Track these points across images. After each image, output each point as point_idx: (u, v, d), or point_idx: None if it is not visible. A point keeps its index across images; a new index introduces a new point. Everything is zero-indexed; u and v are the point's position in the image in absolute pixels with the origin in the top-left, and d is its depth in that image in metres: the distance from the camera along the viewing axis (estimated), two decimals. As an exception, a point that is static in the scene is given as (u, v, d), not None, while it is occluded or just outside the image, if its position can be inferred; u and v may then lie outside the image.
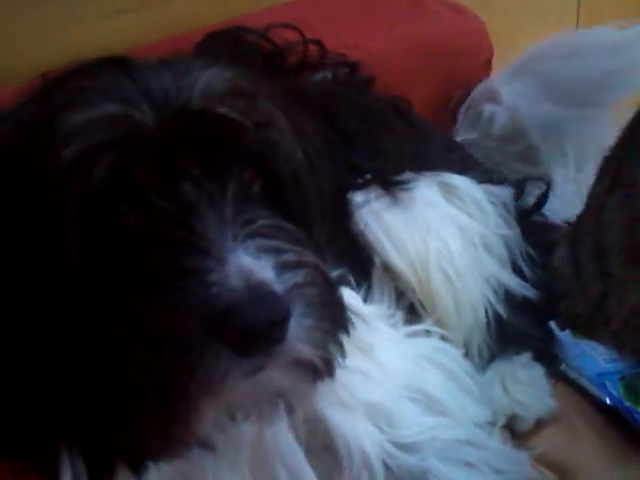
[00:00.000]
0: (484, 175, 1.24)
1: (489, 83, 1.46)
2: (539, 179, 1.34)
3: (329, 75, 1.26)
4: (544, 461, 1.02)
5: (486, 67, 1.51)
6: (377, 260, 1.08)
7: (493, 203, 1.17)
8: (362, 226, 1.08)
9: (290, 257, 0.66)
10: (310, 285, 0.66)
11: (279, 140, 0.73)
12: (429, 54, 1.40)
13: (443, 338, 1.05)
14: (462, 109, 1.45)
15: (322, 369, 0.70)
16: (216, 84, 0.70)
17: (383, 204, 1.09)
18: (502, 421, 1.07)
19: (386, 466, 0.87)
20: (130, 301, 0.64)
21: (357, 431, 0.86)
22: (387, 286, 1.07)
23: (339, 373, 0.77)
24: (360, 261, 1.07)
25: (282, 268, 0.64)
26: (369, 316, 0.94)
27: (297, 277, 0.65)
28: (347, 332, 0.75)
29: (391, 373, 0.91)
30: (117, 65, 0.72)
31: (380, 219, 1.08)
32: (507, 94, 1.43)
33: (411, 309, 1.09)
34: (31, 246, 0.66)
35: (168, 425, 0.65)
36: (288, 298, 0.63)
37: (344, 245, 1.05)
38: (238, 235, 0.64)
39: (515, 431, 1.08)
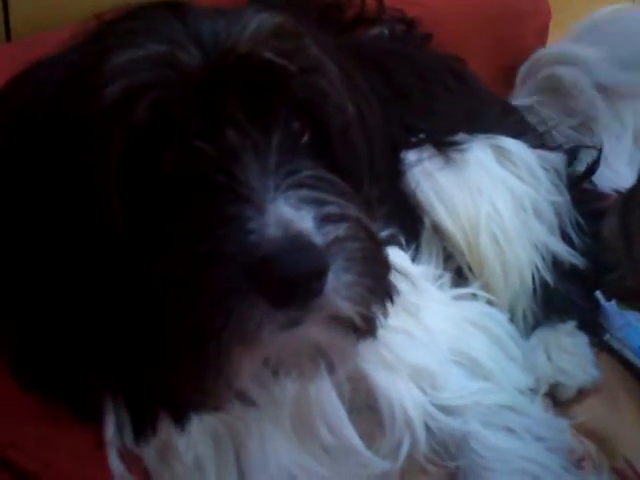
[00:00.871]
0: (538, 140, 1.23)
1: (558, 46, 1.43)
2: (591, 147, 1.32)
3: (386, 31, 1.24)
4: (584, 430, 1.01)
5: (543, 30, 1.49)
6: (427, 220, 1.08)
7: (545, 169, 1.16)
8: (414, 185, 1.07)
9: (332, 210, 0.64)
10: (352, 239, 0.65)
11: (328, 89, 0.71)
12: (487, 14, 1.38)
13: (489, 302, 1.04)
14: (521, 72, 1.42)
15: (363, 328, 0.68)
16: (265, 27, 0.69)
17: (436, 164, 1.08)
18: (545, 388, 1.07)
19: (428, 428, 0.87)
20: (169, 246, 0.63)
21: (400, 392, 0.86)
22: (435, 247, 1.06)
23: (384, 333, 0.77)
24: (410, 221, 1.06)
25: (323, 220, 0.63)
26: (416, 277, 0.93)
27: (338, 230, 0.63)
28: (390, 293, 0.74)
29: (436, 335, 0.91)
30: (171, 9, 0.71)
31: (432, 179, 1.07)
32: (585, 57, 1.39)
33: (458, 272, 1.08)
34: (75, 186, 0.66)
35: (204, 375, 0.65)
36: (327, 251, 0.62)
37: (395, 204, 1.04)
38: (280, 185, 0.63)
39: (557, 399, 1.07)
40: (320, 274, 0.61)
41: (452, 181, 1.08)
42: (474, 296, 1.03)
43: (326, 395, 0.83)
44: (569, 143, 1.34)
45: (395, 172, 1.08)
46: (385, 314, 0.73)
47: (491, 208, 1.08)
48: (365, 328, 0.69)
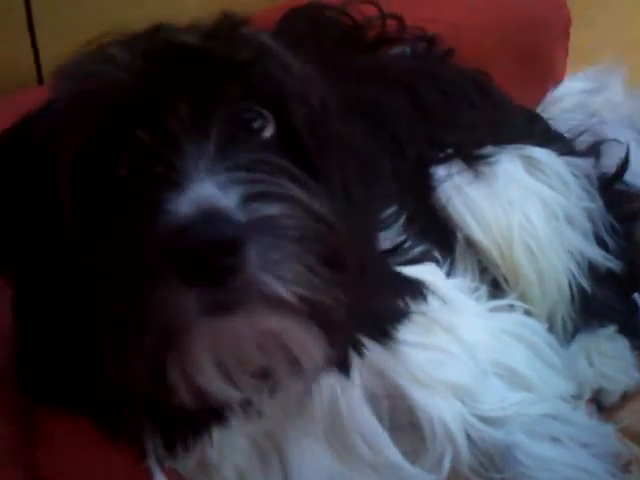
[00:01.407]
0: (566, 147, 1.23)
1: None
2: (614, 140, 1.30)
3: (408, 49, 1.25)
4: (630, 434, 1.01)
5: (564, 36, 1.48)
6: (459, 235, 1.08)
7: (575, 175, 1.16)
8: (445, 200, 1.08)
9: (266, 189, 0.63)
10: (288, 219, 0.63)
11: (281, 76, 0.71)
12: (506, 25, 1.38)
13: (527, 312, 1.05)
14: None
15: (316, 314, 0.65)
16: (203, 24, 0.71)
17: (465, 179, 1.09)
18: (588, 395, 1.07)
19: (470, 439, 0.87)
20: (104, 240, 0.64)
21: (439, 406, 0.87)
22: (470, 261, 1.07)
23: (416, 351, 0.81)
24: (443, 236, 1.07)
25: (252, 199, 0.61)
26: (450, 293, 0.94)
27: (269, 209, 0.62)
28: (346, 277, 0.68)
29: (474, 349, 0.91)
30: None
31: (463, 194, 1.08)
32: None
33: (494, 284, 1.09)
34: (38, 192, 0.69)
35: (160, 372, 0.64)
36: (249, 227, 0.60)
37: (427, 220, 1.06)
38: (214, 168, 0.63)
39: (601, 404, 1.08)
40: (232, 247, 0.59)
41: (482, 194, 1.08)
42: (511, 307, 1.03)
43: (359, 410, 0.83)
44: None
45: (425, 188, 1.09)
46: (342, 302, 0.67)
47: (523, 218, 1.08)
48: (317, 314, 0.65)
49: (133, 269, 0.61)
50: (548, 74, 1.46)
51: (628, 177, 1.27)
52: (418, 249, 0.91)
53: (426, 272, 0.93)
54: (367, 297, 0.75)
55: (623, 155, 1.25)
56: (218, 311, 0.61)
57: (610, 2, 1.70)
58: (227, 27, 0.71)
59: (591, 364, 1.11)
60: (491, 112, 1.20)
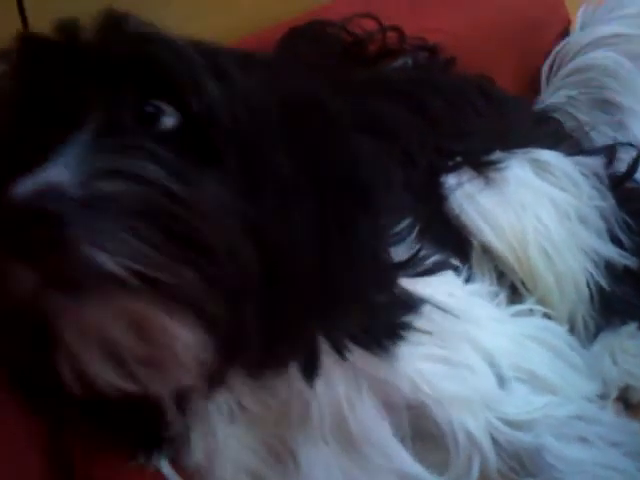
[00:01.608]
0: (574, 147, 1.23)
1: (580, 33, 1.41)
2: (629, 144, 1.30)
3: (409, 61, 1.26)
4: (659, 431, 1.00)
5: (564, 34, 1.48)
6: (475, 242, 1.08)
7: (585, 175, 1.16)
8: (457, 209, 1.08)
9: (116, 168, 0.61)
10: (131, 196, 0.60)
11: (171, 62, 0.69)
12: (506, 30, 1.38)
13: (546, 315, 1.05)
14: (544, 70, 1.41)
15: (171, 296, 0.62)
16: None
17: (476, 186, 1.09)
18: (614, 393, 1.07)
19: (497, 444, 0.87)
20: None
21: (460, 416, 0.86)
22: (487, 267, 1.07)
23: (430, 364, 0.82)
24: (458, 244, 1.07)
25: (96, 177, 0.60)
26: (468, 300, 0.94)
27: (112, 186, 0.60)
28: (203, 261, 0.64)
29: (494, 355, 0.91)
30: None
31: (475, 202, 1.08)
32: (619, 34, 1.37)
33: (512, 289, 1.09)
34: None
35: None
36: (84, 202, 0.58)
37: (441, 229, 1.06)
38: (74, 154, 0.62)
39: (628, 402, 1.07)
40: (55, 220, 0.56)
41: (495, 201, 1.08)
42: (530, 311, 1.03)
43: (367, 419, 0.83)
44: (606, 141, 1.33)
45: (437, 197, 1.09)
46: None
47: (536, 222, 1.08)
48: (173, 295, 0.62)
49: None
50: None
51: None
52: (433, 259, 0.91)
53: (443, 282, 0.93)
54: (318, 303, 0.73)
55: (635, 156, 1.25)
56: (58, 292, 0.60)
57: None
58: (108, 23, 0.70)
59: (615, 362, 1.11)
60: (497, 117, 1.21)
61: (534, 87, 1.43)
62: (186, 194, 0.63)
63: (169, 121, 0.69)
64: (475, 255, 1.08)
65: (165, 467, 0.80)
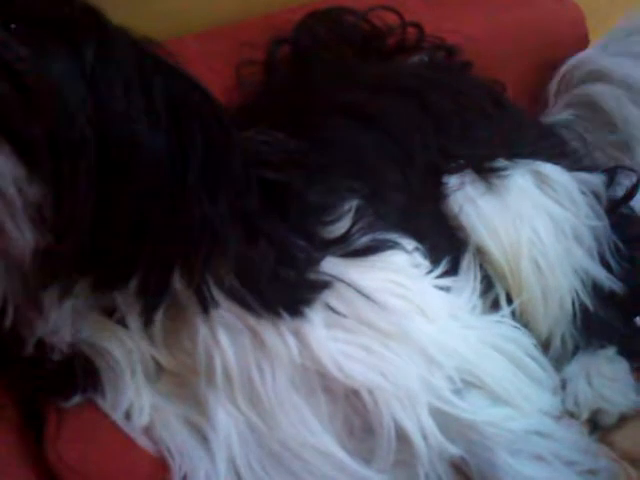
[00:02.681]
0: (576, 163, 1.23)
1: (587, 60, 1.40)
2: (631, 169, 1.29)
3: (426, 58, 1.25)
4: (627, 457, 1.01)
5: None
6: (470, 242, 1.08)
7: (584, 193, 1.16)
8: (457, 209, 1.08)
9: None
10: None
11: None
12: (525, 41, 1.38)
13: (517, 327, 1.03)
14: (552, 88, 1.41)
15: None
16: None
17: (478, 190, 1.09)
18: (586, 415, 1.08)
19: (430, 447, 0.86)
20: None
21: (392, 407, 0.86)
22: (474, 272, 1.05)
23: (333, 343, 0.82)
24: (451, 243, 1.07)
25: None
26: (416, 294, 0.93)
27: None
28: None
29: (437, 353, 0.89)
30: None
31: (475, 205, 1.08)
32: (617, 74, 1.36)
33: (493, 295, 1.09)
34: None
35: None
36: None
37: (434, 227, 1.06)
38: None
39: (598, 426, 1.08)
40: None
41: (494, 207, 1.08)
42: (500, 321, 1.02)
43: (279, 387, 0.83)
44: (610, 162, 1.33)
45: (437, 195, 1.09)
46: None
47: (533, 234, 1.08)
48: None
49: None
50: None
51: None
52: (367, 240, 0.91)
53: (387, 270, 0.92)
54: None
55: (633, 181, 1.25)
56: None
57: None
58: None
59: (590, 384, 1.11)
60: (504, 125, 1.20)
61: (542, 99, 1.43)
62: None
63: None
64: (467, 257, 1.07)
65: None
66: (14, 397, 0.75)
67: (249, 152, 0.86)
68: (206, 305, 0.81)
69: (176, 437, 0.83)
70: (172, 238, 0.76)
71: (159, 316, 0.81)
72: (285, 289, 0.85)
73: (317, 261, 0.87)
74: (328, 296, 0.86)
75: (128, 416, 0.83)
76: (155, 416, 0.83)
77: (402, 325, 0.88)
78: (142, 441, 0.83)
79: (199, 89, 0.78)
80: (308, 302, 0.85)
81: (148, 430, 0.83)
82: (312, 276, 0.86)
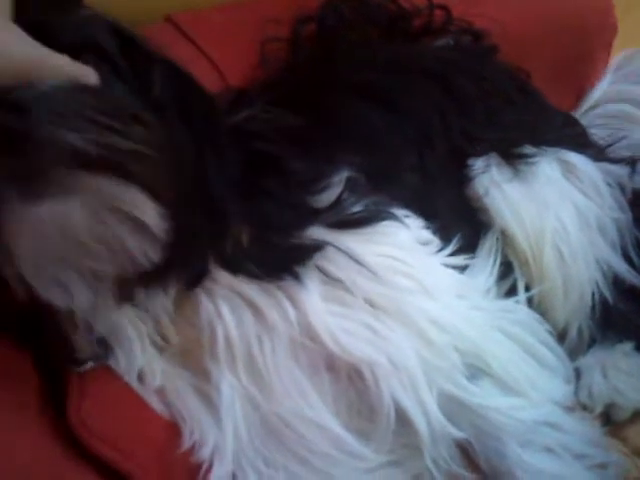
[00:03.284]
0: (601, 153, 1.22)
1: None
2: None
3: (451, 42, 1.24)
4: (637, 452, 1.00)
5: (608, 46, 1.46)
6: (494, 227, 1.07)
7: (609, 184, 1.15)
8: (482, 191, 1.07)
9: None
10: (63, 90, 0.65)
11: None
12: (554, 29, 1.36)
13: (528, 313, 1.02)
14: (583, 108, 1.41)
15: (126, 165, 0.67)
16: None
17: (505, 175, 1.08)
18: (599, 408, 1.07)
19: (433, 430, 0.85)
20: None
21: (393, 386, 0.85)
22: (494, 255, 1.04)
23: (328, 317, 0.82)
24: (472, 224, 1.06)
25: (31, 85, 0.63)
26: (420, 270, 0.91)
27: (47, 88, 0.64)
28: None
29: (435, 333, 0.88)
30: None
31: (501, 189, 1.07)
32: None
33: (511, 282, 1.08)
34: None
35: None
36: (38, 95, 0.62)
37: (447, 205, 1.06)
38: None
39: (611, 420, 1.07)
40: (19, 106, 0.60)
41: (521, 193, 1.07)
42: (514, 306, 1.01)
43: (278, 360, 0.83)
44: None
45: (459, 177, 1.09)
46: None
47: (557, 223, 1.07)
48: (132, 166, 0.68)
49: None
50: (586, 79, 1.44)
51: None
52: (358, 211, 0.90)
53: (388, 244, 0.91)
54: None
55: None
56: (29, 194, 0.63)
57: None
58: None
59: (606, 377, 1.10)
60: (530, 112, 1.19)
61: (566, 89, 1.41)
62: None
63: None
64: (489, 239, 1.06)
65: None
66: (33, 360, 0.75)
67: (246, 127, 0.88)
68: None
69: (187, 403, 0.84)
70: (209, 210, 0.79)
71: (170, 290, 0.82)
72: (276, 253, 0.85)
73: (305, 226, 0.87)
74: (321, 260, 0.86)
75: (141, 379, 0.84)
76: (166, 382, 0.84)
77: (401, 302, 0.87)
78: (156, 404, 0.84)
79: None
80: (301, 262, 0.85)
81: (160, 394, 0.84)
82: (302, 240, 0.86)
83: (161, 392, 0.84)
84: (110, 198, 0.67)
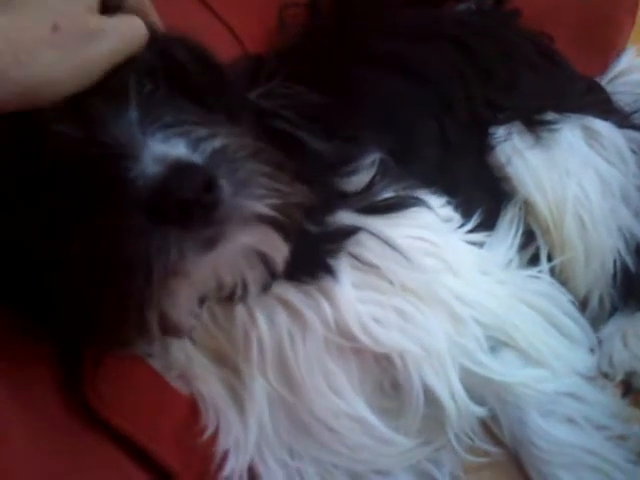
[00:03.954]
0: (626, 119, 1.20)
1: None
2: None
3: (473, 6, 1.22)
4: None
5: (634, 7, 1.43)
6: (517, 196, 1.06)
7: (633, 151, 1.13)
8: (504, 160, 1.07)
9: (202, 132, 0.67)
10: (229, 147, 0.67)
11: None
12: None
13: (554, 284, 1.02)
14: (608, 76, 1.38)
15: (283, 219, 0.70)
16: None
17: (526, 142, 1.07)
18: (620, 376, 1.06)
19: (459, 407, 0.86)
20: (71, 227, 0.65)
21: (421, 368, 0.85)
22: (516, 225, 1.04)
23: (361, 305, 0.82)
24: (492, 195, 1.06)
25: (196, 142, 0.65)
26: (446, 250, 0.91)
27: (214, 144, 0.66)
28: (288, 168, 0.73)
29: (465, 310, 0.89)
30: None
31: (523, 157, 1.06)
32: None
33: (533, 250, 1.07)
34: None
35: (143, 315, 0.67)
36: (210, 163, 0.64)
37: (470, 176, 1.05)
38: (146, 132, 0.65)
39: (632, 388, 1.06)
40: (209, 185, 0.62)
41: (542, 160, 1.06)
42: (537, 277, 1.01)
43: (309, 355, 0.83)
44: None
45: (480, 146, 1.08)
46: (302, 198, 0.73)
47: (579, 191, 1.06)
48: (286, 218, 0.70)
49: (122, 242, 0.63)
50: (611, 44, 1.40)
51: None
52: (389, 196, 0.90)
53: (413, 225, 0.91)
54: None
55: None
56: (208, 245, 0.65)
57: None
58: None
59: (626, 345, 1.10)
60: (553, 78, 1.18)
61: (591, 53, 1.39)
62: (242, 136, 0.71)
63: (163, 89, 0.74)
64: (512, 209, 1.05)
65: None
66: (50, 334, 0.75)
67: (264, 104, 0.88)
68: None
69: (212, 391, 0.83)
70: None
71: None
72: (308, 246, 0.83)
73: (333, 210, 0.86)
74: (353, 245, 0.86)
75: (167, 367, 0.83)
76: (192, 367, 0.83)
77: (432, 284, 0.87)
78: (177, 384, 0.83)
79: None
80: (335, 253, 0.84)
81: (183, 376, 0.83)
82: (333, 227, 0.85)
83: (184, 375, 0.83)
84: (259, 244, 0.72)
